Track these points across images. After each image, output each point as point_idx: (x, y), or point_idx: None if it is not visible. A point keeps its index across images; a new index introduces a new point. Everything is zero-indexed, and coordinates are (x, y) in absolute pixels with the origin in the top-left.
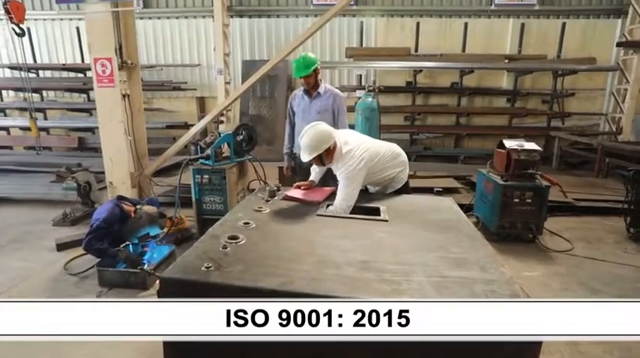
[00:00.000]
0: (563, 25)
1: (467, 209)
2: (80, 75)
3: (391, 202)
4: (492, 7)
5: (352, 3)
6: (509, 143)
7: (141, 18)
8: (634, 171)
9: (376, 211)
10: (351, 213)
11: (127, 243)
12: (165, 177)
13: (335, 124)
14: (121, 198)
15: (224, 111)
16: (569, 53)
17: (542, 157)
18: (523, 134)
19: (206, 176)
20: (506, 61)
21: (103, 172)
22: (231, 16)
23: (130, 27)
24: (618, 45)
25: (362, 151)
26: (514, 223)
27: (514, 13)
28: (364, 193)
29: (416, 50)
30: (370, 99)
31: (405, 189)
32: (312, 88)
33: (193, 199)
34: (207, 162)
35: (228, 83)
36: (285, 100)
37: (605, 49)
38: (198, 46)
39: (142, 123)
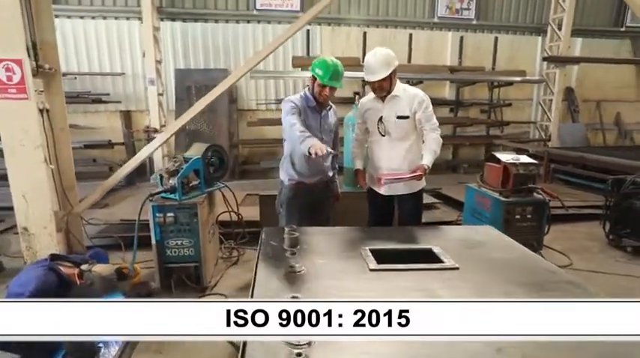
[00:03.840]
0: (496, 39)
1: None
2: None
3: (435, 239)
4: (435, 20)
5: (298, 10)
6: (503, 157)
7: None
8: (613, 180)
9: (429, 254)
10: (398, 258)
11: None
12: (95, 208)
13: (335, 144)
14: (55, 257)
15: (158, 128)
16: (501, 66)
17: (482, 165)
18: (469, 143)
19: (170, 214)
20: (449, 72)
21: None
22: (162, 19)
23: (47, 19)
24: (544, 59)
25: None
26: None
27: (454, 26)
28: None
29: (363, 60)
30: None
31: (420, 195)
32: (324, 102)
33: (153, 242)
34: (171, 196)
35: (162, 94)
36: (229, 114)
37: (530, 62)
38: (121, 52)
39: (67, 145)
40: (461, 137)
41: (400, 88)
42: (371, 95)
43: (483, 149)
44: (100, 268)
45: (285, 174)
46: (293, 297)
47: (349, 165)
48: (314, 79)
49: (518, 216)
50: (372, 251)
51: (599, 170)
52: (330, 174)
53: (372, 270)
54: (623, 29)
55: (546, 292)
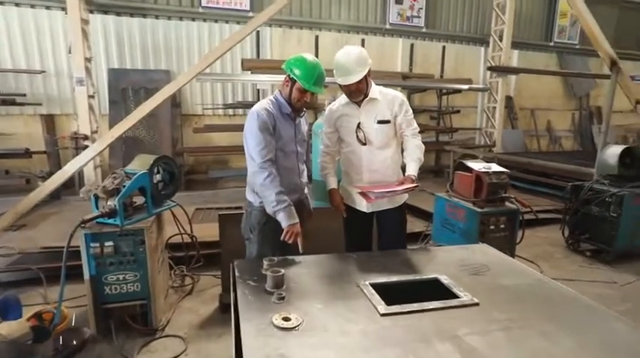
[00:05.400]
0: (444, 48)
1: (424, 238)
2: None
3: (433, 264)
4: (387, 26)
5: (247, 10)
6: (474, 165)
7: None
8: (572, 186)
9: (438, 286)
10: (404, 293)
11: None
12: (8, 231)
13: (307, 156)
14: None
15: (89, 135)
16: (448, 74)
17: (434, 171)
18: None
19: (109, 243)
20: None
21: None
22: (91, 11)
23: None
24: (489, 69)
25: None
26: None
27: (405, 33)
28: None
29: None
30: None
31: (404, 209)
32: (301, 109)
33: (86, 278)
34: (110, 221)
35: (92, 97)
36: (172, 119)
37: (474, 71)
38: (40, 47)
39: None
40: None
41: (376, 89)
42: (342, 100)
43: (434, 155)
44: (6, 328)
45: (255, 195)
46: None
47: (319, 178)
48: (291, 81)
49: (492, 227)
50: (373, 286)
51: (542, 174)
52: (306, 191)
53: (383, 315)
54: (551, 44)
55: (581, 326)
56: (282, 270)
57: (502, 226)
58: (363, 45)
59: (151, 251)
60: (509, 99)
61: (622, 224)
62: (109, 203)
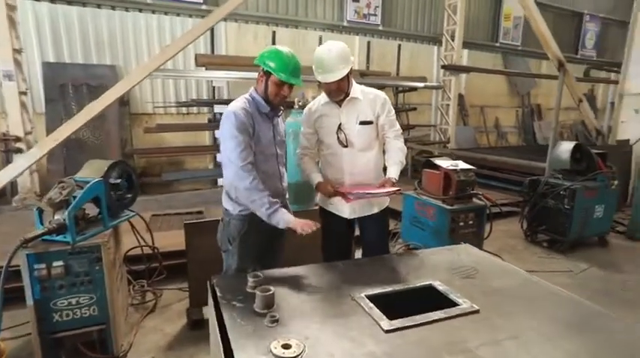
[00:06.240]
0: (399, 46)
1: (393, 236)
2: None
3: (422, 269)
4: (344, 24)
5: (200, 2)
6: (443, 163)
7: None
8: (530, 181)
9: (434, 293)
10: (401, 303)
11: None
12: None
13: (286, 160)
14: None
15: (22, 136)
16: (404, 72)
17: None
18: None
19: (59, 263)
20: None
21: None
22: None
23: None
24: (443, 67)
25: None
26: None
27: (362, 31)
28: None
29: None
30: None
31: (387, 213)
32: (279, 105)
33: (30, 303)
34: (59, 238)
35: (25, 93)
36: (119, 119)
37: (428, 70)
38: None
39: None
40: None
41: (357, 88)
42: (321, 99)
43: None
44: None
45: (234, 203)
46: None
47: (294, 180)
48: (266, 75)
49: (461, 224)
50: (369, 298)
51: (495, 169)
52: (287, 195)
53: (387, 332)
54: (497, 44)
55: (581, 328)
56: (272, 288)
57: (471, 222)
58: (320, 42)
59: (108, 268)
60: (460, 97)
61: (575, 215)
62: (56, 217)
